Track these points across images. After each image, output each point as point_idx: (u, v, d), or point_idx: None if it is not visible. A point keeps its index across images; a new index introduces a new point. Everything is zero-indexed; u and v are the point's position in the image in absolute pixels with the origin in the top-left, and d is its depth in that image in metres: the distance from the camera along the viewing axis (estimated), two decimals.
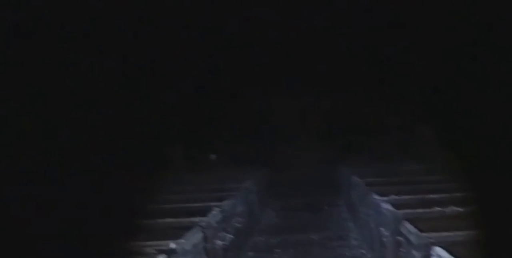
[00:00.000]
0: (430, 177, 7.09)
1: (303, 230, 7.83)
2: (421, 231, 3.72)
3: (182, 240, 3.75)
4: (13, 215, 3.39)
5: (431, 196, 5.30)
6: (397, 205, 4.81)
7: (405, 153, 11.80)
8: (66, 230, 3.76)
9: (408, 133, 12.66)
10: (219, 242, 4.77)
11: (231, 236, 5.29)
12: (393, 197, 5.39)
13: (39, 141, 3.71)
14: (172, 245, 3.63)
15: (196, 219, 4.67)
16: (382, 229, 4.93)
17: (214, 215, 4.89)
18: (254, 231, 7.83)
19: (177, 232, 4.06)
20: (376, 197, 5.39)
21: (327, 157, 12.52)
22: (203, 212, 4.98)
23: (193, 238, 3.97)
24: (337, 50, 11.68)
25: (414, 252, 3.61)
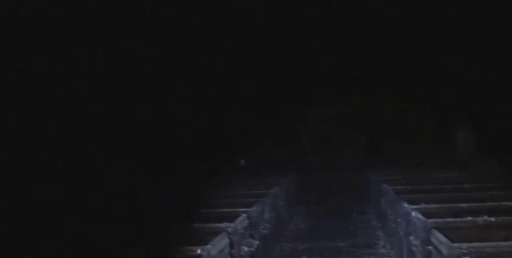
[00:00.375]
0: (462, 185, 6.93)
1: (330, 237, 7.76)
2: (452, 241, 3.63)
3: (208, 246, 3.74)
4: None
5: (463, 205, 5.18)
6: (427, 214, 4.71)
7: (436, 160, 11.60)
8: (98, 236, 3.81)
9: (441, 140, 12.46)
10: (245, 249, 4.75)
11: (258, 242, 5.27)
12: (423, 205, 5.28)
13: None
14: (199, 251, 3.63)
15: (223, 225, 4.66)
16: (411, 238, 4.83)
17: (241, 221, 4.88)
18: (281, 238, 7.80)
19: (204, 238, 4.06)
20: (406, 205, 5.30)
21: (357, 164, 12.39)
22: (231, 218, 4.97)
23: (219, 244, 3.96)
24: (368, 57, 11.61)
25: None
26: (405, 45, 11.21)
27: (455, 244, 3.49)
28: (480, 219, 4.36)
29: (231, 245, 4.27)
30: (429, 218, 4.51)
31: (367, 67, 12.09)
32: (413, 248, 4.72)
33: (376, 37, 11.04)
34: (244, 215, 5.10)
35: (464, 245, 3.45)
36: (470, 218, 4.40)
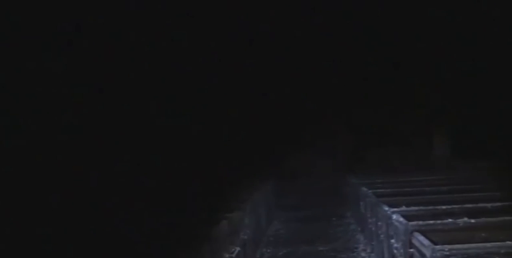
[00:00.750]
0: (441, 187, 6.97)
1: (310, 241, 7.73)
2: (434, 243, 3.62)
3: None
4: None
5: (443, 207, 5.19)
6: (408, 216, 4.71)
7: (414, 164, 11.69)
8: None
9: (418, 144, 12.57)
10: (226, 255, 4.69)
11: (238, 248, 5.20)
12: (403, 208, 5.28)
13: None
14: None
15: (204, 231, 4.59)
16: (392, 241, 4.83)
17: (222, 227, 4.81)
18: (261, 243, 7.74)
19: (186, 243, 3.99)
20: (386, 208, 5.29)
21: (335, 168, 12.43)
22: (211, 223, 4.90)
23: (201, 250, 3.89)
24: (348, 63, 11.69)
25: None
26: (381, 51, 11.33)
27: (438, 246, 3.48)
28: (460, 221, 4.37)
29: (212, 251, 4.20)
30: (410, 220, 4.51)
31: (344, 73, 12.17)
32: (395, 251, 4.71)
33: (351, 45, 11.15)
34: (225, 221, 5.04)
35: (446, 247, 3.44)
36: (450, 220, 4.41)
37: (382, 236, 5.55)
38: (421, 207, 5.27)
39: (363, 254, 6.85)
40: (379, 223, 5.72)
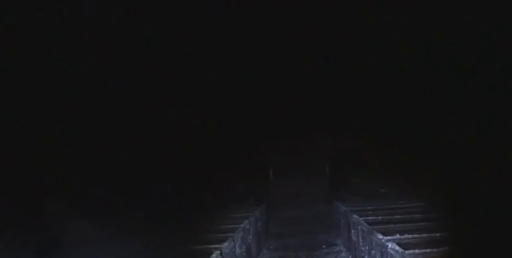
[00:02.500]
0: (431, 214, 6.95)
1: None
2: None
3: None
4: None
5: (436, 234, 5.17)
6: (403, 245, 4.67)
7: (399, 190, 11.70)
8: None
9: (401, 171, 12.61)
10: None
11: None
12: (397, 236, 5.24)
13: None
14: None
15: None
16: None
17: None
18: None
19: None
20: (380, 236, 5.25)
21: (322, 194, 12.40)
22: (202, 255, 4.81)
23: None
24: (326, 91, 11.78)
25: None
26: (361, 79, 11.45)
27: None
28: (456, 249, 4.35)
29: None
30: (406, 249, 4.47)
31: (326, 102, 12.28)
32: None
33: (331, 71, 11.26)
34: (217, 252, 4.95)
35: None
36: (447, 247, 4.38)
37: None
38: (415, 235, 5.24)
39: None
40: (373, 252, 5.66)
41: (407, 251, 4.35)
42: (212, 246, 5.33)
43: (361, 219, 6.86)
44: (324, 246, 9.56)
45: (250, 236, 7.78)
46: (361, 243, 6.62)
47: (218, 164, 12.55)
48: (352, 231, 7.45)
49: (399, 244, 4.67)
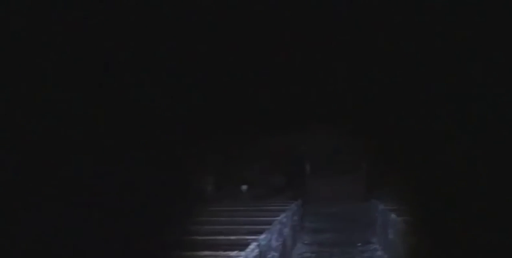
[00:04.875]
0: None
1: None
2: None
3: None
4: None
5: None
6: None
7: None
8: None
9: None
10: None
11: None
12: None
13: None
14: None
15: (233, 253, 4.55)
16: None
17: (252, 250, 4.76)
18: None
19: None
20: None
21: (360, 192, 12.30)
22: (239, 246, 4.85)
23: None
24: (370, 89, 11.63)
25: None
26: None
27: None
28: None
29: None
30: None
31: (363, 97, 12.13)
32: None
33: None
34: (254, 244, 4.99)
35: None
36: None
37: None
38: None
39: None
40: None
41: None
42: (249, 237, 5.37)
43: (399, 218, 6.79)
44: (359, 244, 9.51)
45: (287, 229, 7.81)
46: (400, 243, 6.56)
47: (255, 157, 12.62)
48: (389, 231, 7.38)
49: None
